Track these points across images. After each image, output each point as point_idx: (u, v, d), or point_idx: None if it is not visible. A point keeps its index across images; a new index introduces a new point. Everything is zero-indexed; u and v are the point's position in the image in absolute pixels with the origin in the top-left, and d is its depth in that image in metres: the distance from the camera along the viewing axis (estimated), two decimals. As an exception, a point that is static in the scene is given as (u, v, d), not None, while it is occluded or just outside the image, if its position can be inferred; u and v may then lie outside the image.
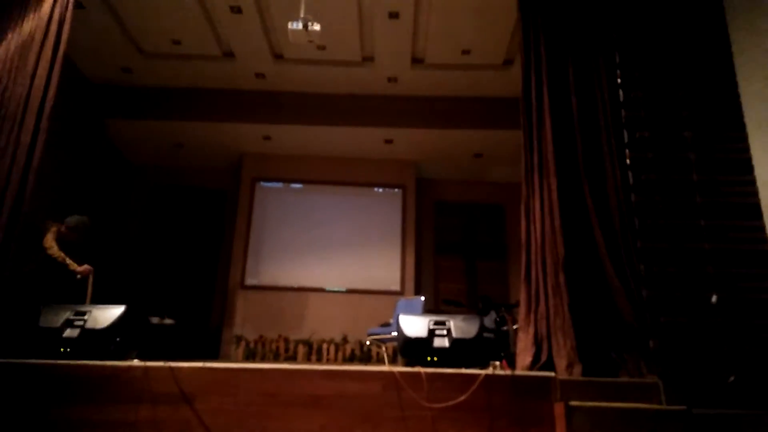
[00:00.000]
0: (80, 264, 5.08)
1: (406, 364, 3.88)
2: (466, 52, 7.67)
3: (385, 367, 3.66)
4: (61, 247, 5.10)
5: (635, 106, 4.24)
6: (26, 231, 4.32)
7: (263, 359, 8.02)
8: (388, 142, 9.05)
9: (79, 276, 4.95)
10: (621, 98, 4.30)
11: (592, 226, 4.01)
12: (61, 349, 3.85)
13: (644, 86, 4.29)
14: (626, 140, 4.16)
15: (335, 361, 8.07)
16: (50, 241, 5.06)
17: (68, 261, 5.01)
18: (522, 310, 4.03)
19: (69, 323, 3.95)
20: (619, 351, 3.65)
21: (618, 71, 4.39)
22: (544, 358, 3.74)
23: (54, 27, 4.61)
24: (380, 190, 9.60)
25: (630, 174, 4.08)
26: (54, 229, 5.20)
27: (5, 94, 4.43)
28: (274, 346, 8.22)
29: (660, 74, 4.30)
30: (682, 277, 3.73)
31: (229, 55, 7.93)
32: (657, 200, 3.95)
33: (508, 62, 7.84)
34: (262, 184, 9.48)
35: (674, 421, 3.15)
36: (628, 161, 4.14)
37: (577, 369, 3.57)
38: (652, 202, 3.95)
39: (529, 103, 4.49)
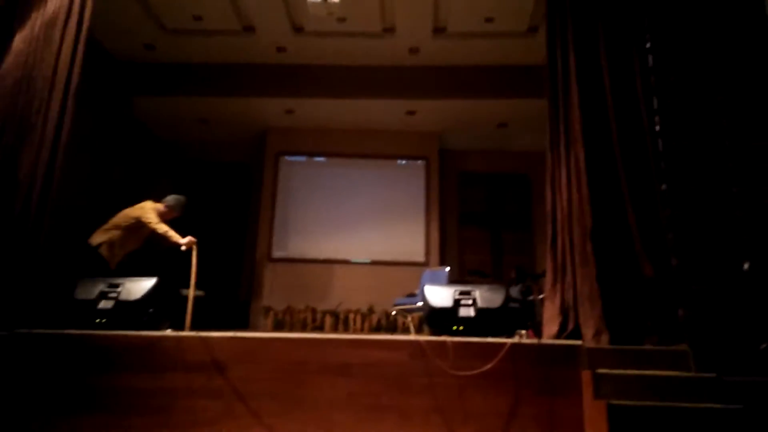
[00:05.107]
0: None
1: (432, 334, 3.93)
2: (489, 19, 7.49)
3: (412, 337, 3.71)
4: None
5: (665, 72, 4.12)
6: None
7: (291, 329, 8.17)
8: (411, 113, 8.97)
9: (183, 248, 4.98)
10: (650, 63, 4.18)
11: (622, 194, 3.93)
12: (97, 320, 3.99)
13: (675, 50, 4.15)
14: (656, 106, 4.06)
15: (362, 331, 8.18)
16: (155, 217, 5.15)
17: (171, 233, 5.06)
18: (548, 279, 4.02)
19: (103, 295, 4.08)
20: (648, 319, 3.63)
21: (647, 35, 4.26)
22: (570, 326, 3.74)
23: (77, 5, 4.64)
24: (403, 162, 9.56)
25: (660, 141, 4.00)
26: (154, 207, 5.31)
27: (32, 73, 4.49)
28: (301, 317, 8.35)
29: (691, 37, 4.16)
30: (712, 244, 3.66)
31: (249, 29, 7.89)
32: (687, 167, 3.86)
33: (532, 29, 7.65)
34: (286, 157, 9.52)
35: (704, 389, 3.14)
36: (657, 128, 4.04)
37: (605, 337, 3.56)
38: (682, 168, 3.87)
39: (554, 70, 4.39)
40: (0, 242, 4.00)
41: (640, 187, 3.94)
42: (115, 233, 5.17)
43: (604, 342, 3.54)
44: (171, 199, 5.51)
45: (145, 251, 5.49)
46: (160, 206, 5.41)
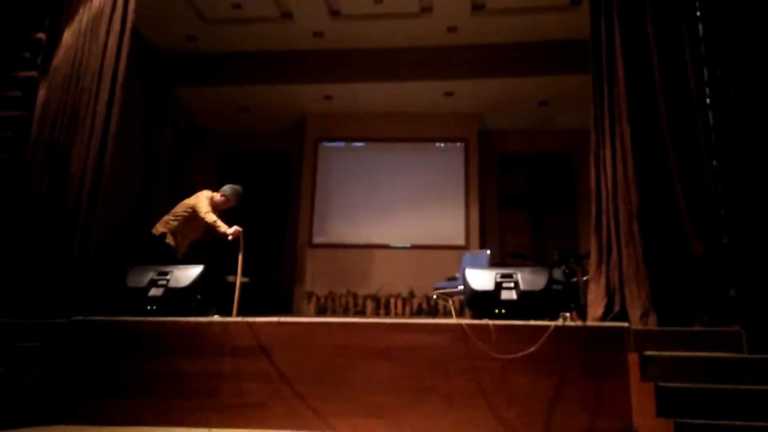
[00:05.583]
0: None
1: (474, 317, 3.91)
2: (529, -7, 7.30)
3: (453, 320, 3.70)
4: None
5: (716, 41, 3.93)
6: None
7: (334, 314, 8.28)
8: (449, 94, 8.86)
9: (230, 238, 4.99)
10: (700, 32, 4.00)
11: (670, 171, 3.79)
12: (148, 307, 4.13)
13: (726, 18, 3.96)
14: (706, 78, 3.89)
15: (403, 315, 8.22)
16: (206, 206, 5.18)
17: (219, 224, 5.08)
18: (593, 260, 3.93)
19: (153, 283, 4.22)
20: (697, 299, 3.51)
21: (697, 2, 4.07)
22: (617, 308, 3.66)
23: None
24: (442, 144, 9.47)
25: (710, 114, 3.83)
26: (210, 195, 5.36)
27: (81, 67, 4.63)
28: (343, 302, 8.45)
29: (743, 3, 3.95)
30: (765, 222, 3.51)
31: (287, 15, 7.92)
32: (739, 141, 3.70)
33: (575, 2, 7.40)
34: (325, 144, 9.58)
35: (757, 371, 3.03)
36: (708, 101, 3.87)
37: (653, 318, 3.47)
38: (734, 143, 3.71)
39: (598, 44, 4.25)
40: (55, 234, 4.18)
41: (689, 163, 3.79)
42: (175, 223, 5.25)
43: (652, 323, 3.46)
44: (227, 188, 5.54)
45: (206, 240, 5.53)
46: (216, 195, 5.44)
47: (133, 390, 3.57)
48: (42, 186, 4.33)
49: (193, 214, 5.24)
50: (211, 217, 5.11)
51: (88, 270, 4.19)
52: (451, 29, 8.05)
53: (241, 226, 5.04)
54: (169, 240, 5.18)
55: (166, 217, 5.32)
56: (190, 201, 5.36)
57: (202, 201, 5.26)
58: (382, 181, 9.28)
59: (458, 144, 9.38)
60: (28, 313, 3.88)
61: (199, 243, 5.54)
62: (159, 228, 5.24)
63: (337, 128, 9.53)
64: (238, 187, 5.59)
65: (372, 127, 9.45)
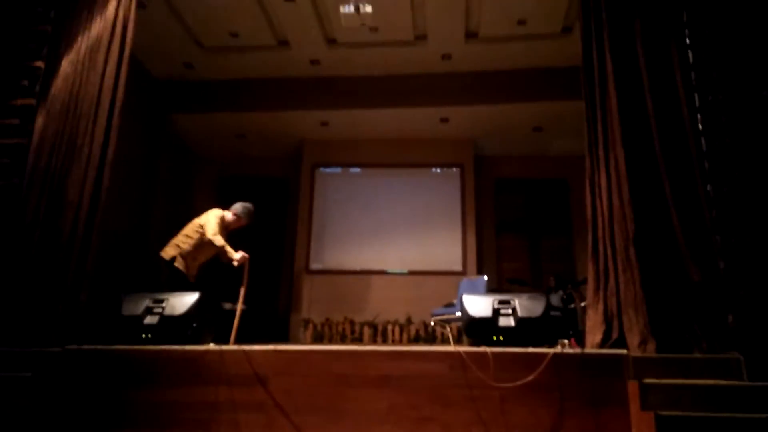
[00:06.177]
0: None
1: (472, 344, 3.88)
2: (521, 22, 7.43)
3: (451, 348, 3.67)
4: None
5: (707, 67, 3.99)
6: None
7: (330, 341, 8.21)
8: (444, 120, 8.96)
9: (236, 264, 4.92)
10: (690, 59, 4.06)
11: (665, 196, 3.80)
12: (143, 335, 4.09)
13: (715, 45, 4.02)
14: (698, 104, 3.94)
15: (400, 342, 8.16)
16: (215, 228, 5.06)
17: (227, 248, 4.98)
18: (590, 286, 3.91)
19: (149, 311, 4.18)
20: (696, 326, 3.50)
21: (686, 30, 4.14)
22: (615, 335, 3.63)
23: (119, 28, 4.79)
24: (438, 170, 9.53)
25: (703, 140, 3.87)
26: (220, 215, 5.23)
27: (79, 94, 4.65)
28: (340, 329, 8.39)
29: (732, 30, 4.02)
30: (761, 246, 3.52)
31: (284, 43, 8.04)
32: (733, 166, 3.73)
33: (566, 29, 7.55)
34: (322, 169, 9.62)
35: (757, 398, 3.00)
36: (700, 126, 3.91)
37: (651, 346, 3.44)
38: (727, 168, 3.73)
39: (590, 71, 4.30)
40: (50, 262, 4.15)
41: (683, 188, 3.81)
42: (185, 245, 5.12)
43: (651, 350, 3.43)
44: (238, 206, 5.41)
45: (212, 263, 5.38)
46: (227, 215, 5.32)
47: (128, 421, 3.50)
48: (38, 213, 4.31)
49: (204, 235, 5.11)
50: (219, 241, 5.01)
51: (83, 297, 4.14)
52: (446, 56, 8.18)
53: (238, 251, 5.00)
54: (179, 264, 5.06)
55: (177, 239, 5.20)
56: (199, 220, 5.24)
57: (211, 221, 5.13)
58: (378, 207, 9.30)
59: (454, 169, 9.44)
60: (21, 341, 3.83)
61: (206, 265, 5.41)
62: (169, 251, 5.12)
63: (334, 154, 9.59)
64: (249, 205, 5.48)
65: (368, 153, 9.51)
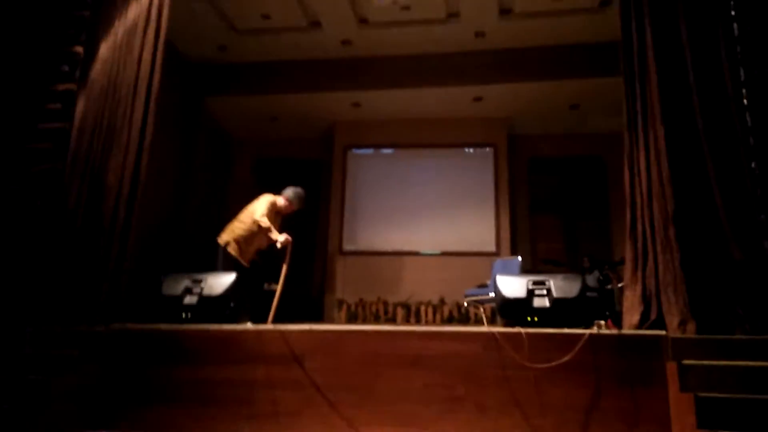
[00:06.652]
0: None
1: (506, 325, 3.87)
2: (557, -4, 7.23)
3: (485, 328, 3.67)
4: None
5: (752, 41, 3.82)
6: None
7: (364, 321, 8.28)
8: (478, 99, 8.82)
9: (279, 245, 5.02)
10: (736, 32, 3.89)
11: (707, 174, 3.69)
12: (183, 315, 4.20)
13: (762, 17, 3.84)
14: (743, 78, 3.78)
15: (434, 322, 8.17)
16: (263, 211, 5.17)
17: (272, 230, 5.08)
18: (628, 267, 3.84)
19: (188, 291, 4.30)
20: (738, 306, 3.40)
21: (732, 2, 3.96)
22: (653, 316, 3.56)
23: (154, 12, 4.86)
24: (471, 150, 9.42)
25: (748, 115, 3.72)
26: (272, 200, 5.37)
27: (117, 79, 4.75)
28: (374, 309, 8.45)
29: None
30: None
31: (315, 24, 8.01)
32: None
33: (604, 3, 7.29)
34: (354, 151, 9.62)
35: (804, 382, 2.92)
36: (745, 101, 3.76)
37: (691, 326, 3.37)
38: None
39: (629, 45, 4.17)
40: (93, 244, 4.29)
41: (726, 165, 3.69)
42: (239, 231, 5.24)
43: (690, 331, 3.36)
44: (290, 191, 5.51)
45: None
46: (279, 200, 5.44)
47: (169, 398, 3.63)
48: (81, 197, 4.44)
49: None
50: (264, 222, 5.11)
51: (125, 278, 4.28)
52: (479, 34, 8.02)
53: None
54: (232, 248, 5.18)
55: (232, 224, 5.33)
56: (252, 205, 5.36)
57: (261, 204, 5.26)
58: (411, 188, 9.27)
59: (487, 149, 9.31)
60: (68, 321, 3.99)
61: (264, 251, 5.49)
62: (224, 237, 5.26)
63: (366, 135, 9.56)
64: (300, 190, 5.57)
65: (400, 133, 9.45)
